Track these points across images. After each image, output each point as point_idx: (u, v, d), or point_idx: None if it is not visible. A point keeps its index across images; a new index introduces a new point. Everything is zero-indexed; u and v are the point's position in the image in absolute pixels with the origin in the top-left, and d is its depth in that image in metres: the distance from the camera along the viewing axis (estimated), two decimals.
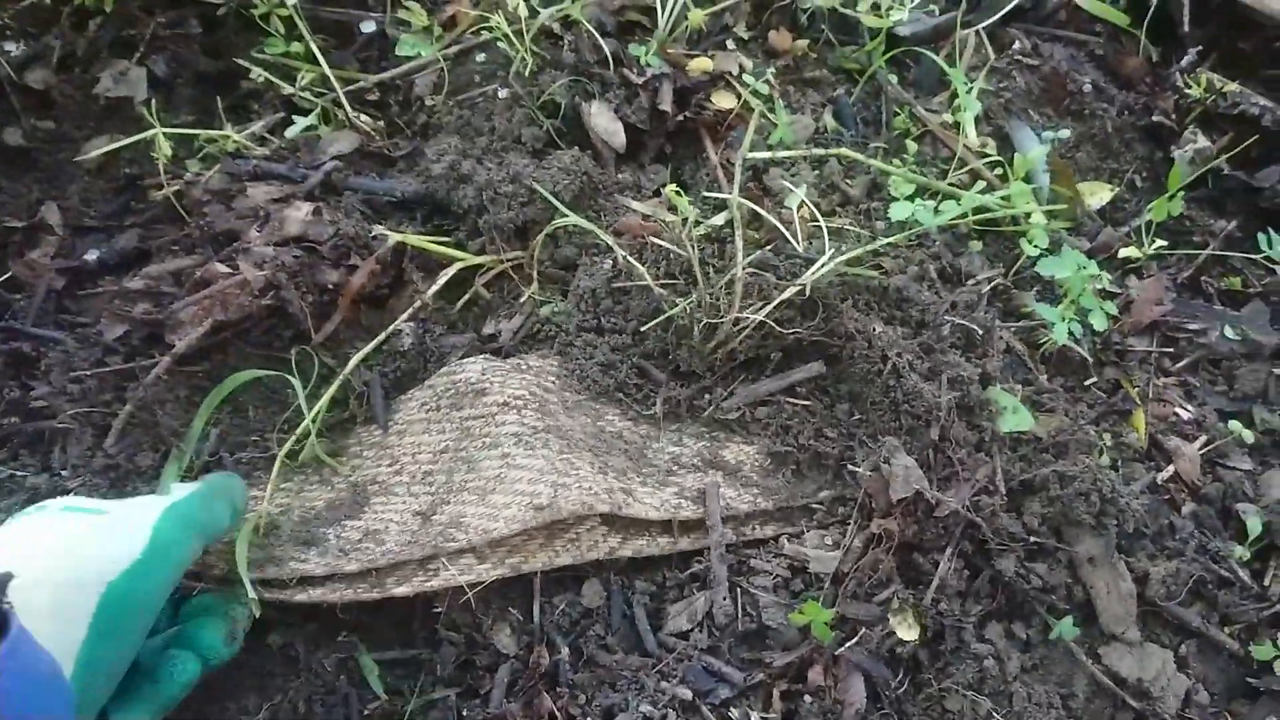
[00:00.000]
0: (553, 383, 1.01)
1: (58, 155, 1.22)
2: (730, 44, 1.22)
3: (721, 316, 0.95)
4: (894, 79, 1.20)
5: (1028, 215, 1.11)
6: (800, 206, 1.04)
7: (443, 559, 0.88)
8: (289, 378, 0.98)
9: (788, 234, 1.02)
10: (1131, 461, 1.00)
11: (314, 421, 0.96)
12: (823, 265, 0.96)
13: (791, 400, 1.01)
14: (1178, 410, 1.05)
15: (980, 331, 1.00)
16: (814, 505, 0.98)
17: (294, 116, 1.20)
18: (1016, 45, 1.28)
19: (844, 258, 0.98)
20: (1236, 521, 1.00)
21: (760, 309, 0.95)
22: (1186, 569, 0.95)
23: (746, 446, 1.01)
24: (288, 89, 1.22)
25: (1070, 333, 0.99)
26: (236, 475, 0.87)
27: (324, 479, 0.97)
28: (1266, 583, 0.97)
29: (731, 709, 0.89)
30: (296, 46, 1.25)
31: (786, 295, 0.95)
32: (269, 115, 1.22)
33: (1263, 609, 0.95)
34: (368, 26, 1.29)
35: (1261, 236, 1.07)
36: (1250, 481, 1.02)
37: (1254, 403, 1.07)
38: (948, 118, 1.16)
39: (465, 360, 1.01)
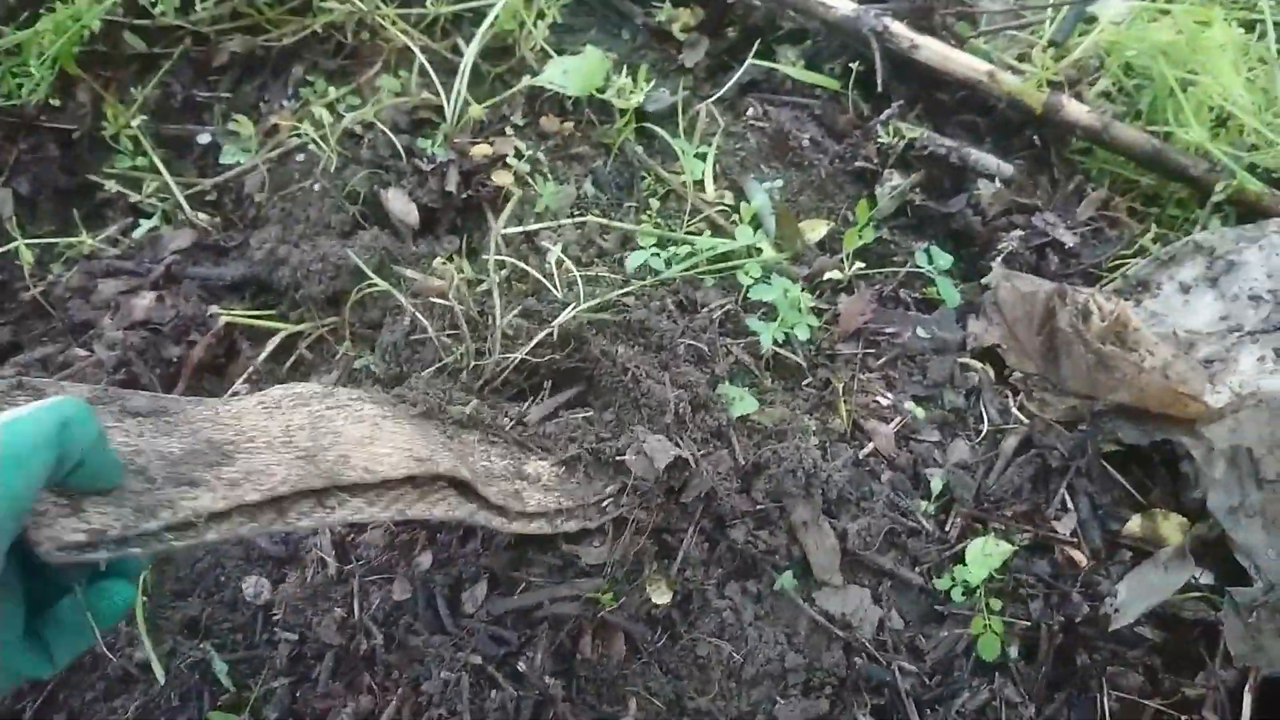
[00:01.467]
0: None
1: None
2: (508, 130, 1.46)
3: (486, 359, 1.18)
4: (640, 149, 1.45)
5: (759, 251, 1.35)
6: (560, 263, 1.28)
7: (339, 494, 0.87)
8: None
9: (549, 284, 1.25)
10: (837, 442, 1.24)
11: None
12: (574, 309, 1.20)
13: (572, 415, 1.23)
14: (877, 399, 1.29)
15: (707, 349, 1.24)
16: (604, 498, 1.19)
17: (140, 220, 1.41)
18: (750, 111, 1.54)
19: (593, 303, 1.22)
20: (925, 483, 1.24)
21: (525, 347, 1.18)
22: (878, 523, 1.19)
23: (541, 462, 1.23)
24: (135, 196, 1.44)
25: (776, 340, 1.24)
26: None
27: (167, 431, 0.87)
28: (947, 529, 1.21)
29: (517, 663, 1.11)
30: (142, 160, 1.47)
31: (541, 336, 1.18)
32: (120, 220, 1.44)
33: (944, 550, 1.20)
34: (203, 138, 1.51)
35: (922, 254, 1.33)
36: (938, 450, 1.27)
37: (943, 388, 1.32)
38: (686, 178, 1.41)
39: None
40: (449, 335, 1.22)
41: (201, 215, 1.43)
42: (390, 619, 1.15)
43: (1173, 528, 1.20)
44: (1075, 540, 1.22)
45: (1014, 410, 1.30)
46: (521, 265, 1.27)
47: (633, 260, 1.27)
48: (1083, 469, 1.25)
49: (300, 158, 1.45)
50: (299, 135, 1.42)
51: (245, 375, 1.27)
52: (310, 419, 0.93)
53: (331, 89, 1.49)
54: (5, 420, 0.58)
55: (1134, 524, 1.21)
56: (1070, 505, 1.25)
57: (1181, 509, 1.20)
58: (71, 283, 1.34)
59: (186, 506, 0.75)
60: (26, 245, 1.32)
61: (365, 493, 0.89)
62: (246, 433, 0.90)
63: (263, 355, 1.27)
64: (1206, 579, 1.17)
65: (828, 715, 1.10)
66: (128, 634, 1.14)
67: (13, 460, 0.57)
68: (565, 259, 1.28)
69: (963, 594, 1.16)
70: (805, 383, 1.29)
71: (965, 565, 1.16)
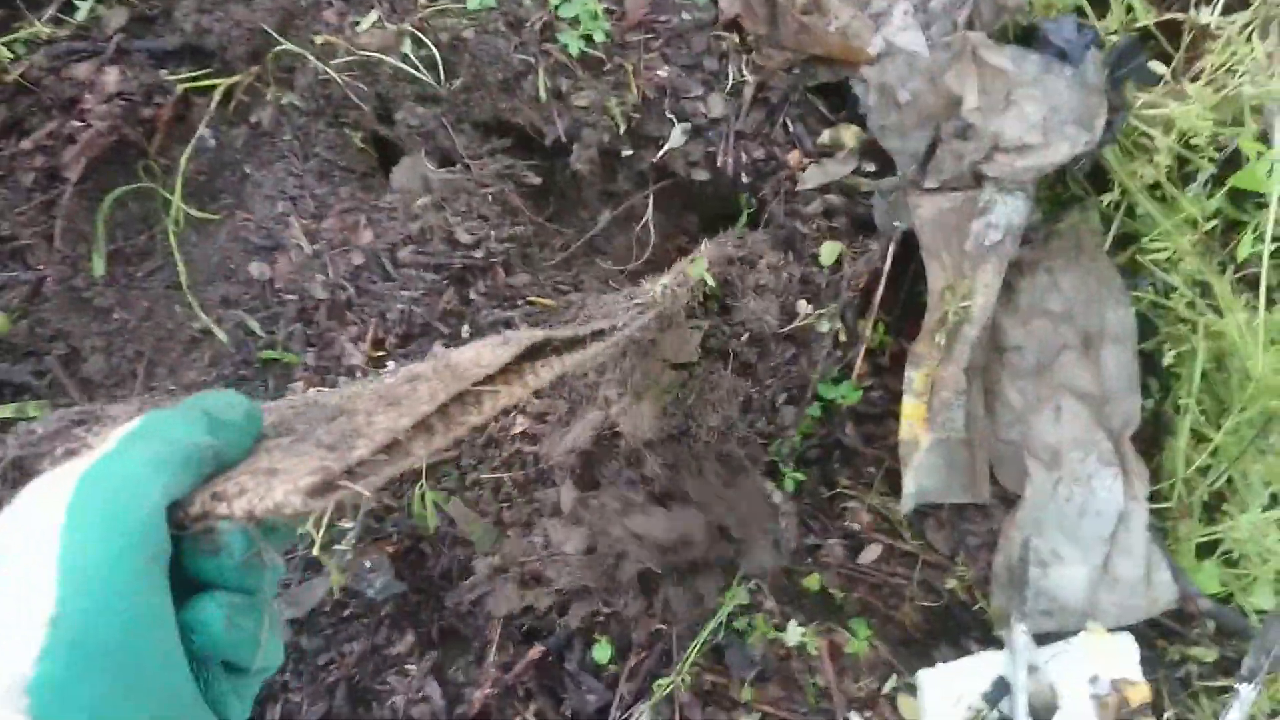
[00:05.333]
0: None
1: None
2: None
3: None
4: None
5: None
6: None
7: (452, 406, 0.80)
8: (150, 183, 1.70)
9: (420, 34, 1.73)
10: (632, 111, 1.81)
11: (181, 192, 1.69)
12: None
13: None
14: (658, 72, 1.84)
15: (534, 58, 1.76)
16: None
17: (76, 2, 1.79)
18: None
19: (450, 34, 1.71)
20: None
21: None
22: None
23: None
24: None
25: (581, 44, 1.76)
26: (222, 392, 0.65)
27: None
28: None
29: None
30: None
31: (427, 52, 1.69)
32: (54, 3, 1.81)
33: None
34: None
35: None
36: (701, 103, 1.86)
37: (703, 55, 1.88)
38: None
39: None
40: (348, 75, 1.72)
41: None
42: (355, 276, 1.75)
43: (851, 136, 1.83)
44: (793, 147, 1.86)
45: (746, 66, 1.87)
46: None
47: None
48: (795, 101, 1.86)
49: None
50: None
51: (204, 122, 1.75)
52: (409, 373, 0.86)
53: None
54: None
55: (826, 135, 1.84)
56: (789, 127, 1.87)
57: (856, 123, 1.84)
58: (41, 64, 1.75)
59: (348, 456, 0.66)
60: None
61: (493, 383, 0.86)
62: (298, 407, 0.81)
63: (213, 105, 1.75)
64: (871, 169, 1.83)
65: None
66: (184, 311, 1.72)
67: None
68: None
69: None
70: (606, 70, 1.83)
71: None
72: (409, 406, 0.75)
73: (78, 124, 1.70)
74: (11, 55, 1.72)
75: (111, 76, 1.72)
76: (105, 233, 1.70)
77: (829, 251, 1.78)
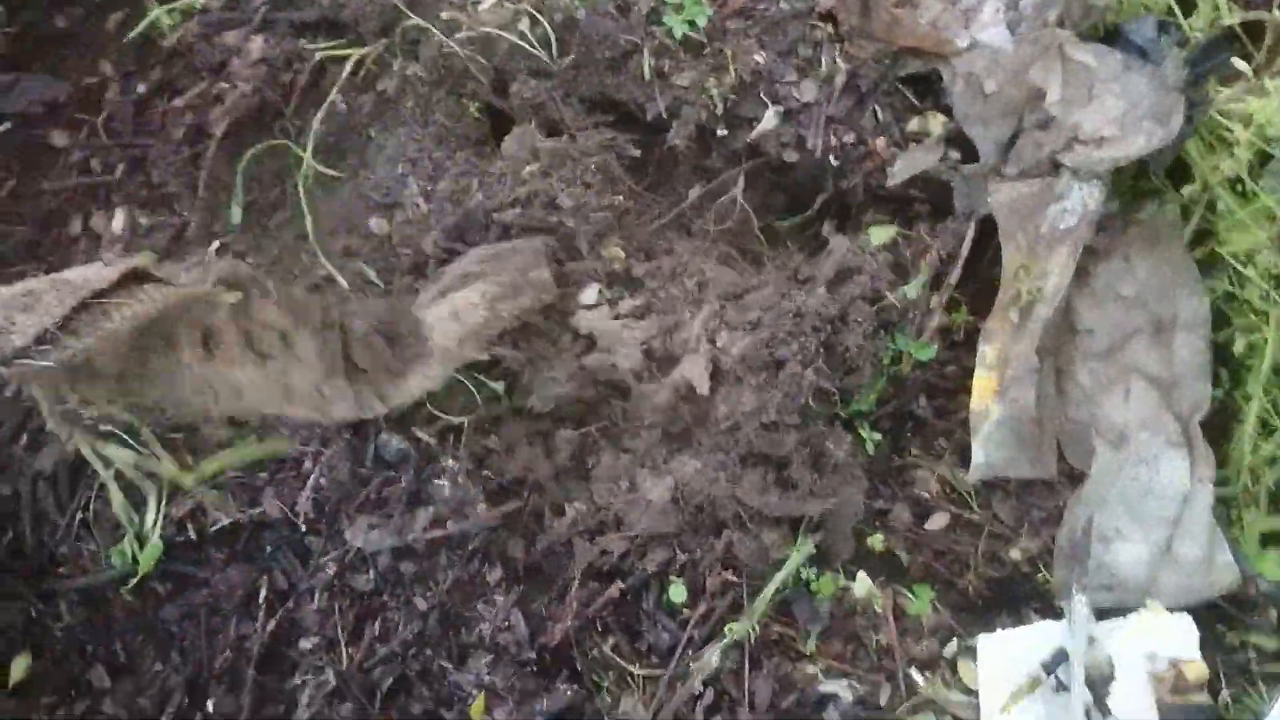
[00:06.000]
0: None
1: (92, 32, 1.99)
2: None
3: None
4: None
5: None
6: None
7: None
8: (284, 142, 1.87)
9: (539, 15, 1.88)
10: (729, 93, 1.92)
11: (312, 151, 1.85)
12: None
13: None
14: (754, 57, 1.95)
15: (639, 39, 1.89)
16: None
17: None
18: None
19: (565, 16, 1.85)
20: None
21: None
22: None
23: None
24: None
25: (684, 28, 1.89)
26: None
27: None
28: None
29: None
30: None
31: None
32: None
33: None
34: None
35: None
36: (794, 89, 1.96)
37: (797, 44, 1.98)
38: None
39: None
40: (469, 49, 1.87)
41: None
42: (463, 234, 1.88)
43: (937, 124, 1.93)
44: (880, 135, 1.96)
45: (838, 55, 1.97)
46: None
47: None
48: (884, 90, 1.96)
49: None
50: None
51: (336, 88, 1.92)
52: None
53: None
54: None
55: (914, 123, 1.94)
56: (879, 114, 1.97)
57: (943, 111, 1.93)
58: (194, 31, 1.94)
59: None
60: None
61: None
62: None
63: (344, 73, 1.91)
64: (955, 156, 1.92)
65: None
66: (309, 259, 1.88)
67: None
68: None
69: None
70: (705, 53, 1.95)
71: None
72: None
73: (225, 86, 1.88)
74: (170, 22, 1.91)
75: (257, 44, 1.89)
76: (243, 185, 1.87)
77: (881, 234, 1.87)
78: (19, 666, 1.64)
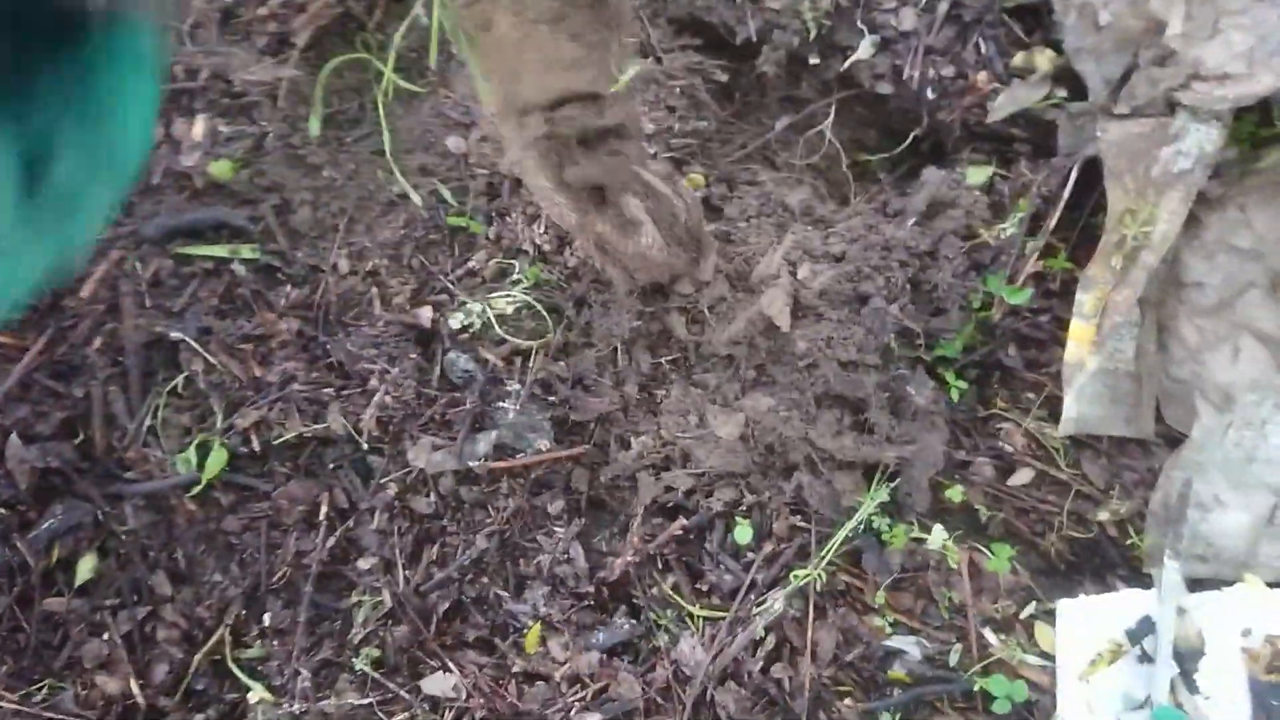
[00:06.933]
0: None
1: None
2: None
3: None
4: None
5: None
6: None
7: None
8: (366, 55, 1.83)
9: None
10: (822, 18, 1.84)
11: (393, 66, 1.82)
12: None
13: None
14: None
15: None
16: None
17: None
18: None
19: None
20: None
21: None
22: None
23: None
24: None
25: None
26: None
27: None
28: None
29: None
30: None
31: None
32: None
33: None
34: None
35: None
36: (893, 15, 1.87)
37: None
38: None
39: None
40: None
41: None
42: None
43: (1044, 60, 1.82)
44: (981, 69, 1.86)
45: None
46: None
47: None
48: (989, 21, 1.85)
49: None
50: None
51: (420, 1, 1.88)
52: None
53: None
54: None
55: (1019, 58, 1.83)
56: (981, 46, 1.87)
57: (1051, 46, 1.82)
58: None
59: None
60: None
61: None
62: None
63: None
64: (1062, 94, 1.81)
65: None
66: (385, 176, 1.85)
67: None
68: None
69: None
70: None
71: None
72: None
73: None
74: None
75: None
76: (323, 97, 1.84)
77: (977, 174, 1.77)
78: (85, 566, 1.64)
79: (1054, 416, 1.72)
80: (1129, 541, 1.70)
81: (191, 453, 1.68)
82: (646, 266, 1.56)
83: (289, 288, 1.76)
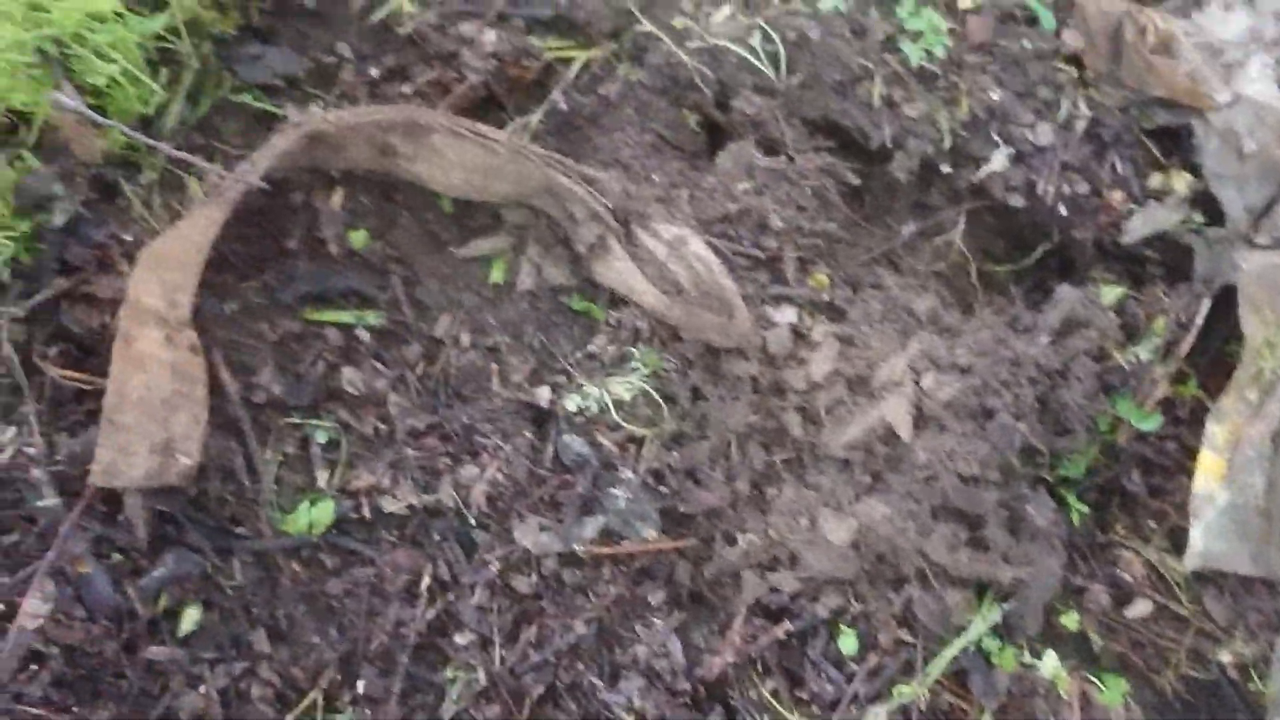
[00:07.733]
0: None
1: (336, 13, 2.04)
2: None
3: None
4: None
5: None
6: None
7: None
8: None
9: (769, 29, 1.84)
10: (959, 130, 1.84)
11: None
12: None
13: None
14: (990, 93, 1.87)
15: (872, 64, 1.83)
16: None
17: None
18: None
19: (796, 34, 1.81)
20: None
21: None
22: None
23: None
24: None
25: (920, 56, 1.82)
26: None
27: None
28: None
29: None
30: None
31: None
32: None
33: None
34: None
35: None
36: (1029, 130, 1.86)
37: (1037, 85, 1.88)
38: None
39: None
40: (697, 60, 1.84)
41: None
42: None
43: (1182, 182, 1.80)
44: (1117, 188, 1.84)
45: (1081, 100, 1.86)
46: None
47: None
48: (1128, 141, 1.84)
49: None
50: None
51: (559, 88, 1.92)
52: None
53: None
54: None
55: (1156, 179, 1.81)
56: (1118, 166, 1.85)
57: (1189, 170, 1.80)
58: (430, 21, 1.97)
59: None
60: None
61: None
62: None
63: (571, 73, 1.91)
64: (1199, 219, 1.79)
65: None
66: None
67: None
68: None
69: None
70: (939, 84, 1.88)
71: None
72: None
73: (453, 75, 1.90)
74: (410, 10, 1.95)
75: (490, 37, 1.91)
76: None
77: (1110, 293, 1.75)
78: (189, 618, 1.66)
79: (1176, 547, 1.67)
80: (1251, 685, 1.63)
81: (302, 513, 1.70)
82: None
83: (411, 356, 1.78)
